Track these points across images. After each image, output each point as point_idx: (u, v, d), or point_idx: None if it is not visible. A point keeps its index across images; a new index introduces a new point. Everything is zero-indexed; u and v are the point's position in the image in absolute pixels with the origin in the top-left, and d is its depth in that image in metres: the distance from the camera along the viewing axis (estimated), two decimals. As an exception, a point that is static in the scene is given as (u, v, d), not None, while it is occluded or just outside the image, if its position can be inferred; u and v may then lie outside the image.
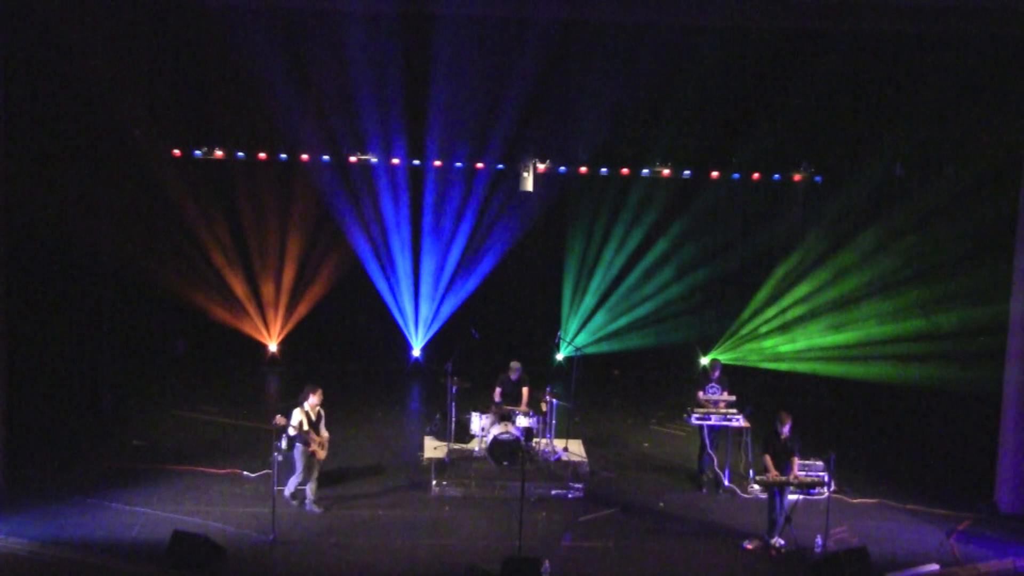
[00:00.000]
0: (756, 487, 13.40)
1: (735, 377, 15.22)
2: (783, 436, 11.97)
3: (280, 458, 12.05)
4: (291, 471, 12.42)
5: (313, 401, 12.38)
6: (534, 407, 14.31)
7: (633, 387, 19.10)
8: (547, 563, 10.82)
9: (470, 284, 19.22)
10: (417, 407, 17.95)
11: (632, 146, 18.10)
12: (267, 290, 19.08)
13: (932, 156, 16.43)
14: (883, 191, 17.39)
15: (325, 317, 19.19)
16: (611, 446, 15.52)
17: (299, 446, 12.29)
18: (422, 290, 19.25)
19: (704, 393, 14.11)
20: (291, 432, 12.11)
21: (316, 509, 12.44)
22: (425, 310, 19.31)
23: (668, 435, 16.17)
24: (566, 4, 13.88)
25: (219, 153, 17.79)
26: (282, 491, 12.28)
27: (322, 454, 12.51)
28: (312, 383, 12.58)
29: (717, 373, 14.25)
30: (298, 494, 12.53)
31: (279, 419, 11.99)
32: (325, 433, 12.58)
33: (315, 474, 12.51)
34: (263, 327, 19.12)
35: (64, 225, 15.43)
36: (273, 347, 19.22)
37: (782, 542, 11.83)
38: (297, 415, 12.21)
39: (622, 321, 19.26)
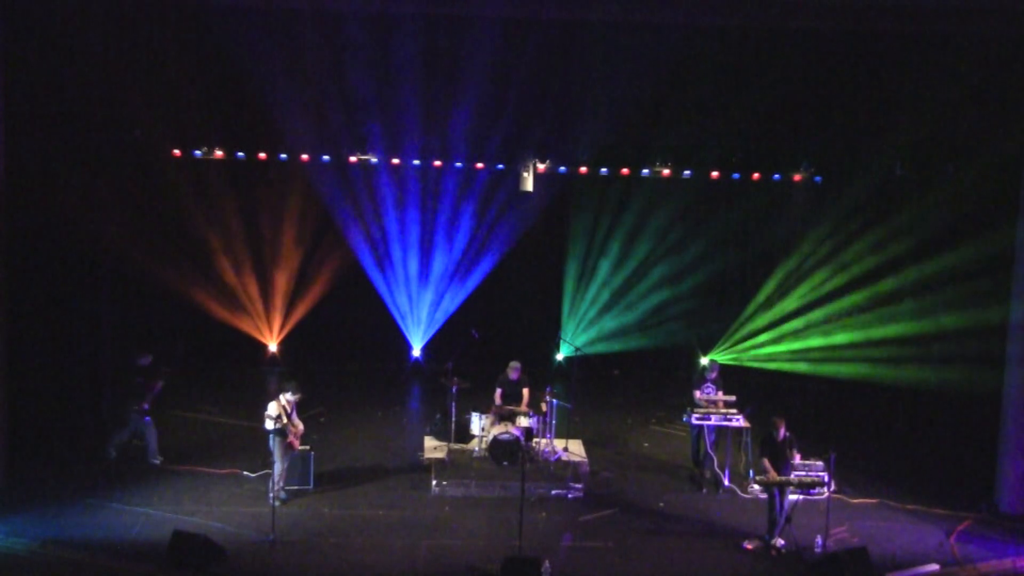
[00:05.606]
0: (756, 487, 13.41)
1: (735, 377, 15.22)
2: (779, 440, 11.98)
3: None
4: (273, 469, 12.43)
5: (290, 398, 12.58)
6: (534, 407, 14.32)
7: (633, 387, 19.10)
8: (547, 563, 10.83)
9: (470, 284, 19.21)
10: (417, 407, 17.94)
11: (633, 146, 18.06)
12: (267, 290, 19.05)
13: (932, 156, 16.40)
14: (883, 191, 17.36)
15: (325, 317, 19.18)
16: (611, 446, 15.52)
17: (277, 439, 12.39)
18: (422, 290, 19.25)
19: (700, 393, 14.18)
20: (270, 425, 12.26)
21: (283, 495, 12.59)
22: (425, 310, 19.30)
23: (668, 435, 16.17)
24: (567, 4, 13.86)
25: (219, 153, 17.77)
26: (273, 496, 12.24)
27: (297, 444, 12.72)
28: (298, 384, 12.72)
29: (715, 374, 14.28)
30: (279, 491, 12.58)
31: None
32: (300, 425, 12.81)
33: (287, 464, 12.71)
34: (263, 327, 19.11)
35: (64, 225, 15.41)
36: (273, 347, 19.21)
37: (782, 542, 11.83)
38: (274, 407, 12.37)
39: (623, 322, 19.24)
